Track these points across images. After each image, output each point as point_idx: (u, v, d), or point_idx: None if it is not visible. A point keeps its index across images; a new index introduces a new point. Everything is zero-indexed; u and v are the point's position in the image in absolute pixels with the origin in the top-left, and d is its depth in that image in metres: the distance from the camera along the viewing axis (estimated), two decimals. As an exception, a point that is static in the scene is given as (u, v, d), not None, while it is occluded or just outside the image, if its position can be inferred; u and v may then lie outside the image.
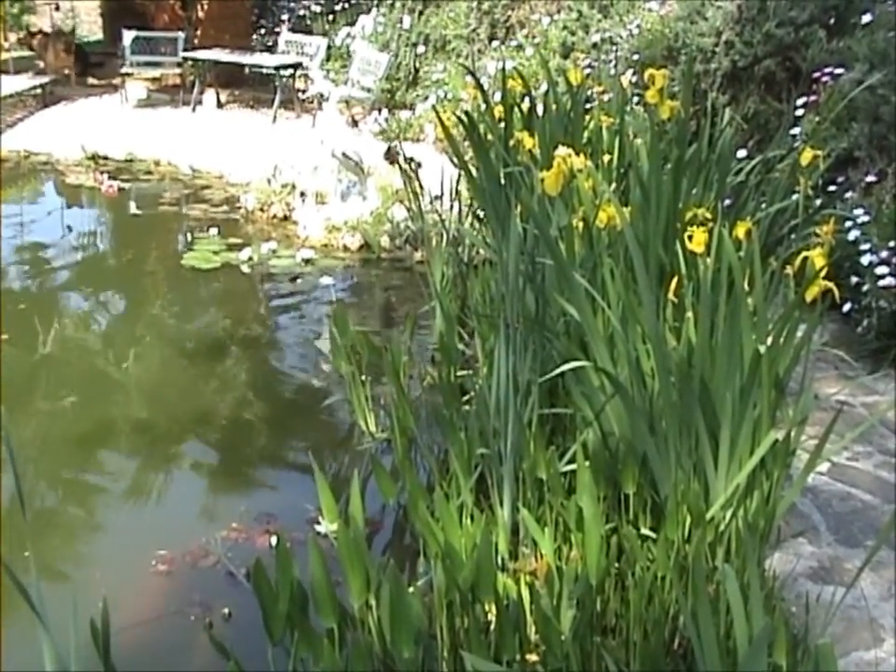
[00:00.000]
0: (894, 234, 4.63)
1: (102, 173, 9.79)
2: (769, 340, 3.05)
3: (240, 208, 8.62)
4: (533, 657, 2.70)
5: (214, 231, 7.93)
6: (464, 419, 3.72)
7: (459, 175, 5.75)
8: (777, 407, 3.17)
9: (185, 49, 12.34)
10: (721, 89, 6.69)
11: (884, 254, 4.56)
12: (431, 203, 6.55)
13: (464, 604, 2.84)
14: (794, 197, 4.59)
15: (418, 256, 7.10)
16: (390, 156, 6.09)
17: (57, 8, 15.52)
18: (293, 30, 13.26)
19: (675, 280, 3.43)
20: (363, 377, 4.54)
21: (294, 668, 2.71)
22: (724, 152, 4.69)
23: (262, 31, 13.90)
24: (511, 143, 5.17)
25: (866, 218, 4.83)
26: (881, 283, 4.51)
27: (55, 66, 13.03)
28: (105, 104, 12.39)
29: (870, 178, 5.21)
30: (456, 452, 3.43)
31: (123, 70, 12.34)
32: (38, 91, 12.36)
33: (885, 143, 5.34)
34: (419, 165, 6.04)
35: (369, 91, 11.00)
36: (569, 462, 3.23)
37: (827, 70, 6.04)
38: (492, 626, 2.78)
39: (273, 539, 3.61)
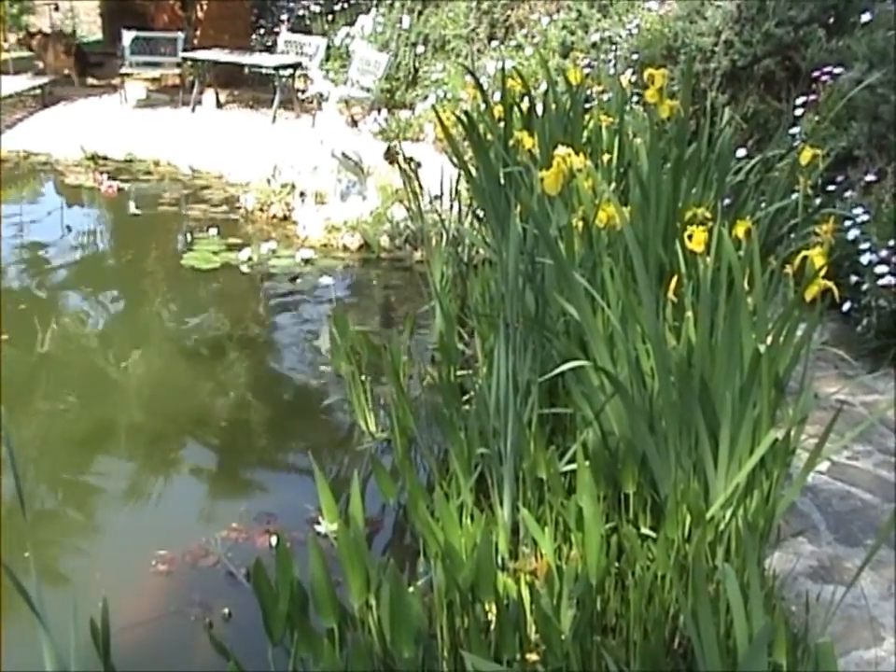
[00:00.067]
0: (894, 233, 4.63)
1: (101, 173, 9.79)
2: (769, 339, 3.05)
3: (239, 208, 8.61)
4: (533, 657, 2.70)
5: (213, 231, 7.93)
6: (464, 419, 3.72)
7: (459, 175, 5.75)
8: (777, 406, 3.17)
9: (184, 50, 12.34)
10: (721, 88, 6.69)
11: (883, 253, 4.57)
12: (431, 202, 6.55)
13: (464, 604, 2.84)
14: (794, 196, 4.59)
15: (418, 255, 7.10)
16: (390, 156, 6.09)
17: (56, 9, 15.53)
18: (292, 30, 13.25)
19: (674, 279, 3.43)
20: (363, 377, 4.54)
21: (294, 668, 2.71)
22: (724, 151, 4.69)
23: (262, 31, 13.90)
24: (511, 142, 5.17)
25: (866, 217, 4.83)
26: (881, 282, 4.52)
27: (55, 67, 13.03)
28: (104, 104, 12.38)
29: (869, 177, 5.21)
30: (456, 451, 3.43)
31: (123, 70, 12.34)
32: (38, 91, 12.36)
33: (884, 142, 5.34)
34: (419, 165, 6.04)
35: (368, 90, 11.00)
36: (569, 462, 3.23)
37: (826, 69, 6.04)
38: (492, 626, 2.78)
39: (273, 539, 3.61)
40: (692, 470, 3.07)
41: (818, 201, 5.01)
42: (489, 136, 5.47)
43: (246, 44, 13.19)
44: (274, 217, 8.26)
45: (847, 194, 5.23)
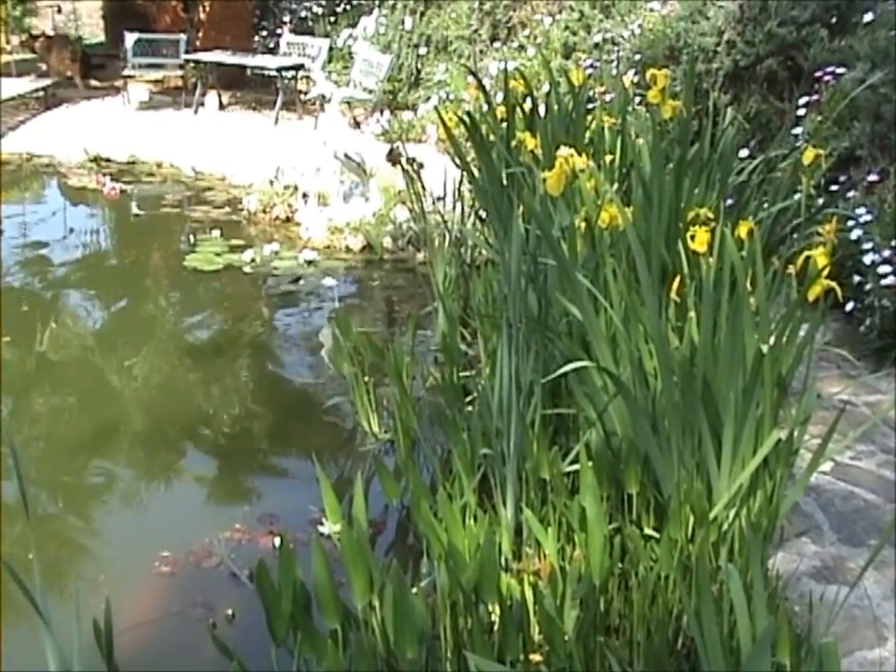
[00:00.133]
0: (896, 233, 4.63)
1: (104, 175, 9.80)
2: (772, 339, 3.05)
3: (242, 210, 8.62)
4: (536, 657, 2.70)
5: (216, 232, 7.94)
6: (467, 420, 3.72)
7: (461, 176, 5.75)
8: (780, 406, 3.17)
9: (187, 51, 12.36)
10: (723, 88, 6.69)
11: (886, 253, 4.56)
12: (433, 203, 6.55)
13: (467, 604, 2.84)
14: (796, 196, 4.58)
15: (420, 257, 7.10)
16: (392, 157, 6.07)
17: (59, 11, 15.55)
18: (295, 31, 13.27)
19: (677, 280, 3.43)
20: (366, 378, 4.54)
21: (297, 669, 2.71)
22: (726, 152, 4.69)
23: (264, 33, 13.91)
24: (513, 143, 5.17)
25: (868, 217, 4.82)
26: (883, 282, 4.51)
27: (58, 69, 13.05)
28: (107, 106, 12.41)
29: (872, 177, 5.21)
30: (459, 452, 3.43)
31: (125, 72, 12.37)
32: (41, 93, 12.38)
33: (887, 142, 5.33)
34: (421, 166, 6.03)
35: (371, 92, 11.00)
36: (572, 462, 3.23)
37: (829, 69, 6.04)
38: (495, 626, 2.78)
39: (277, 540, 3.61)
40: (695, 471, 3.07)
41: (820, 201, 5.01)
42: (492, 137, 5.46)
43: (249, 45, 13.20)
44: (277, 218, 8.27)
45: (850, 194, 5.23)
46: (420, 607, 2.69)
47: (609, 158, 4.93)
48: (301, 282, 6.99)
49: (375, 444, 4.51)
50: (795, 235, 4.47)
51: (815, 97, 6.02)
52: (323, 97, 10.55)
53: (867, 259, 4.61)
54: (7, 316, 6.09)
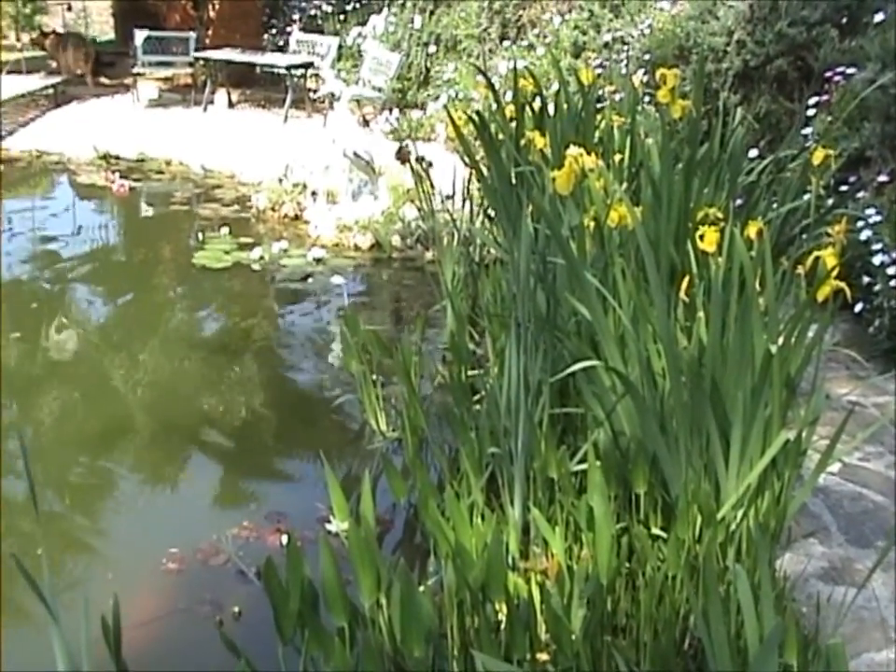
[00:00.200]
0: (906, 234, 4.62)
1: (113, 172, 9.83)
2: (780, 340, 3.05)
3: (251, 207, 8.64)
4: (543, 656, 2.70)
5: (225, 230, 7.95)
6: (475, 418, 3.72)
7: (470, 175, 5.75)
8: (789, 407, 3.16)
9: (196, 49, 12.38)
10: (733, 88, 6.68)
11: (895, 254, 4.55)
12: (442, 202, 6.55)
13: (474, 603, 2.84)
14: (806, 197, 4.58)
15: (429, 255, 7.10)
16: (401, 155, 6.08)
17: (69, 9, 15.60)
18: (304, 30, 13.27)
19: (686, 280, 3.43)
20: (374, 376, 4.54)
21: (305, 667, 2.72)
22: (736, 152, 4.68)
23: (273, 31, 13.92)
24: (523, 142, 5.17)
25: (878, 218, 4.81)
26: (893, 283, 4.50)
27: (67, 67, 13.08)
28: (116, 103, 12.43)
29: (882, 178, 5.19)
30: (467, 451, 3.44)
31: (135, 70, 12.39)
32: (50, 90, 12.41)
33: (897, 142, 5.33)
34: (430, 165, 6.05)
35: (380, 90, 11.01)
36: (580, 462, 3.23)
37: (839, 69, 6.02)
38: (502, 625, 2.78)
39: (284, 538, 3.62)
40: (702, 471, 3.07)
41: (830, 201, 4.99)
42: (501, 136, 5.47)
43: (258, 44, 13.21)
44: (286, 216, 8.28)
45: (860, 195, 5.21)
46: (427, 605, 2.69)
47: (618, 157, 4.93)
48: (310, 280, 7.00)
49: (383, 442, 4.52)
50: (804, 236, 4.46)
51: (825, 97, 6.00)
52: (332, 95, 10.58)
53: (876, 259, 4.60)
54: (15, 311, 6.12)
